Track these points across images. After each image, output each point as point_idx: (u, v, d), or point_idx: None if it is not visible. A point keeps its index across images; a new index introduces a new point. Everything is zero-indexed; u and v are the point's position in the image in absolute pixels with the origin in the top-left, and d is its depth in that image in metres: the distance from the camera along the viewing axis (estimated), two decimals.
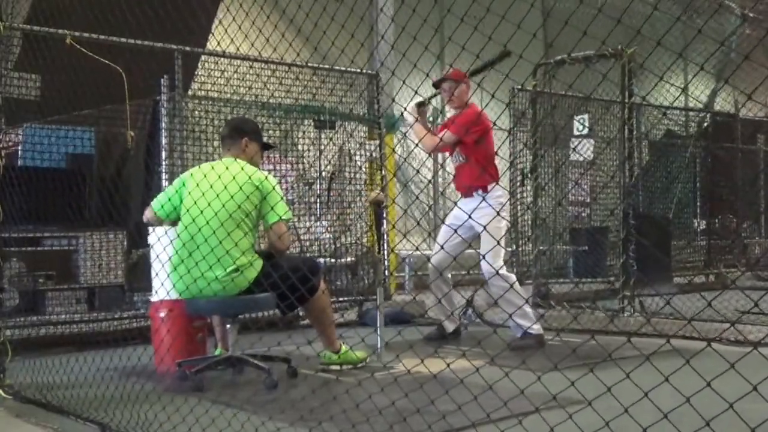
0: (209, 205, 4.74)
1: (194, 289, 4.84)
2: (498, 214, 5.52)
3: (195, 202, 4.87)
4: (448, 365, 3.11)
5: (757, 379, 2.20)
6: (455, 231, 5.64)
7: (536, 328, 6.08)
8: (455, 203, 5.78)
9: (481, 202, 5.77)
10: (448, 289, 6.35)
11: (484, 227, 5.24)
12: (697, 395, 2.19)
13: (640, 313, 7.68)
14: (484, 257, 5.39)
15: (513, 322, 5.98)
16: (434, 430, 3.23)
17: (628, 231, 7.89)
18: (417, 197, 9.03)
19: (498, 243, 5.66)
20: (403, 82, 2.85)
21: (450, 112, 6.60)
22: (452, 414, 3.20)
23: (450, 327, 6.59)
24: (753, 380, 2.19)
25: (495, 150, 6.27)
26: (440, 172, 13.45)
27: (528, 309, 6.19)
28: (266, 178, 5.00)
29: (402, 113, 6.32)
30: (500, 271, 5.89)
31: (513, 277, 6.10)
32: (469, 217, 4.99)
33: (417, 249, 3.79)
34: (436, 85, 6.29)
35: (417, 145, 5.57)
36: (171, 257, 4.97)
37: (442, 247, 6.12)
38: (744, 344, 5.35)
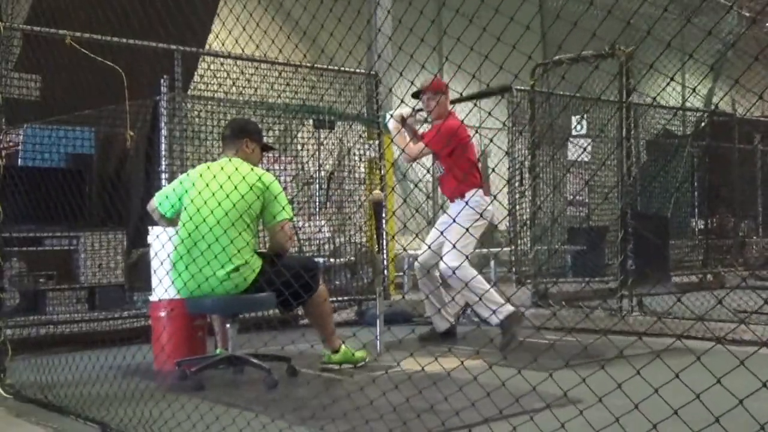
0: (205, 203, 4.77)
1: (194, 287, 4.86)
2: (484, 215, 5.97)
3: (193, 201, 4.89)
4: (453, 369, 3.13)
5: (765, 376, 2.21)
6: (441, 233, 5.70)
7: (507, 308, 5.92)
8: (442, 207, 5.93)
9: (463, 207, 5.95)
10: (434, 287, 6.38)
11: (448, 226, 5.52)
12: (706, 393, 2.21)
13: (639, 312, 7.69)
14: (441, 258, 5.80)
15: (484, 312, 5.93)
16: (435, 430, 3.26)
17: (626, 230, 7.90)
18: (412, 203, 9.02)
19: (454, 246, 5.56)
20: (409, 86, 2.86)
21: (435, 121, 6.63)
22: (453, 414, 3.20)
23: (441, 326, 6.53)
24: (761, 377, 2.19)
25: (476, 158, 6.36)
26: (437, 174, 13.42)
27: (493, 293, 6.14)
28: (263, 175, 5.02)
29: (385, 121, 6.40)
30: (457, 269, 5.81)
31: (473, 272, 6.02)
32: (454, 220, 5.54)
33: (404, 249, 3.81)
34: (416, 95, 6.30)
35: (400, 154, 5.71)
36: (171, 256, 4.99)
37: (429, 247, 6.28)
38: (749, 344, 5.38)
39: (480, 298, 5.73)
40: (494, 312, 5.83)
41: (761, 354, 2.38)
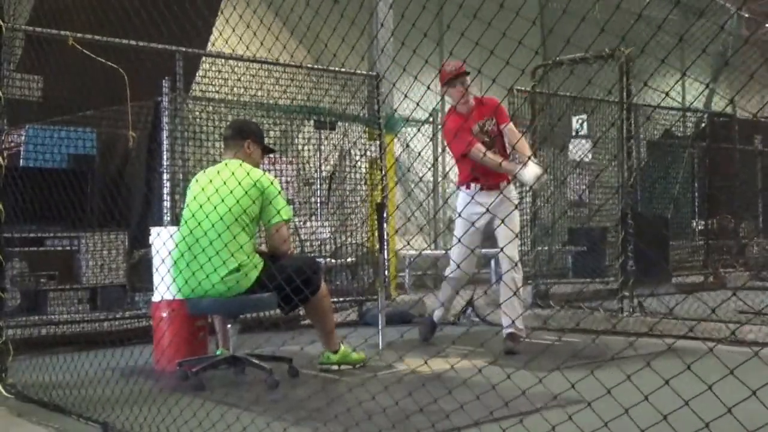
0: (201, 207, 4.77)
1: (195, 288, 4.86)
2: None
3: (188, 206, 4.90)
4: (452, 366, 3.13)
5: (756, 380, 2.20)
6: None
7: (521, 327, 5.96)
8: (470, 197, 5.72)
9: (506, 192, 5.96)
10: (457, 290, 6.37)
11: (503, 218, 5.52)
12: (698, 397, 2.20)
13: (639, 313, 7.70)
14: (502, 249, 5.60)
15: (508, 318, 5.88)
16: (436, 429, 3.26)
17: (626, 231, 7.90)
18: (414, 202, 9.01)
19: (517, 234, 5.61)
20: (411, 84, 2.87)
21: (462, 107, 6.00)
22: (454, 413, 3.20)
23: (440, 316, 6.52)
24: (753, 381, 2.18)
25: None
26: (440, 171, 13.47)
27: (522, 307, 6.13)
28: (264, 176, 5.02)
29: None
30: (517, 263, 5.87)
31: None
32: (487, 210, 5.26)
33: (404, 246, 3.81)
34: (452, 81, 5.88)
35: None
36: (172, 256, 4.99)
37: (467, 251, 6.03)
38: (746, 344, 5.37)
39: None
40: (512, 325, 5.83)
41: (762, 354, 2.37)
